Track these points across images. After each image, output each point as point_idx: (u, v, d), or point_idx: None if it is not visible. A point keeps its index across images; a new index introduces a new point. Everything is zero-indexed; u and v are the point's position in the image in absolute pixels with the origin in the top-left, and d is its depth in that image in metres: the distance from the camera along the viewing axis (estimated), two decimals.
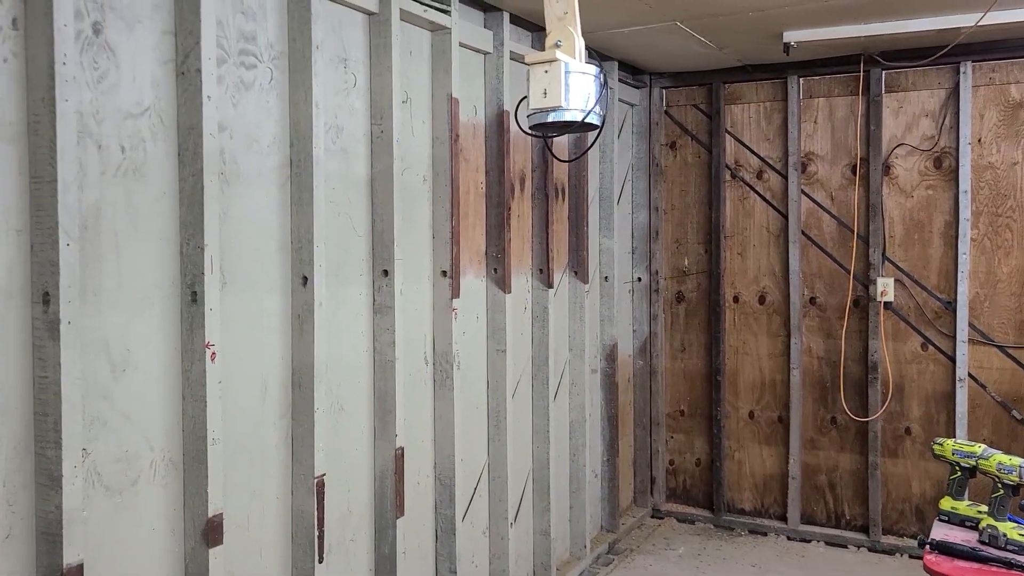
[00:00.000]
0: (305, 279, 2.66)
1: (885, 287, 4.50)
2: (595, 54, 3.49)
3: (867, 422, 4.58)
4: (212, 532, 2.27)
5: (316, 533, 2.63)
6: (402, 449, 3.04)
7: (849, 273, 4.64)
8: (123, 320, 2.13)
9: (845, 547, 4.59)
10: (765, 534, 4.81)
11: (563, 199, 4.34)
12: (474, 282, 3.64)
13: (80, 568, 1.92)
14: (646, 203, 5.17)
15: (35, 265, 1.92)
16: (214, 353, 2.29)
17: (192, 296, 2.29)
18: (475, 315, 3.65)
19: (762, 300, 4.91)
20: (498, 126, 3.64)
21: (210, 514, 2.27)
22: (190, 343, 2.28)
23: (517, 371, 3.93)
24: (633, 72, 4.96)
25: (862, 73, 4.52)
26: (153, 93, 2.22)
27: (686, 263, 5.16)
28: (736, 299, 4.98)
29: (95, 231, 2.06)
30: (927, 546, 2.21)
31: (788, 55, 4.26)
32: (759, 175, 4.89)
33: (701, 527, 4.95)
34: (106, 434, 2.09)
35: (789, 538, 4.74)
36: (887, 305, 4.53)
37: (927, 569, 2.03)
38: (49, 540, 1.90)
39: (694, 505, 5.11)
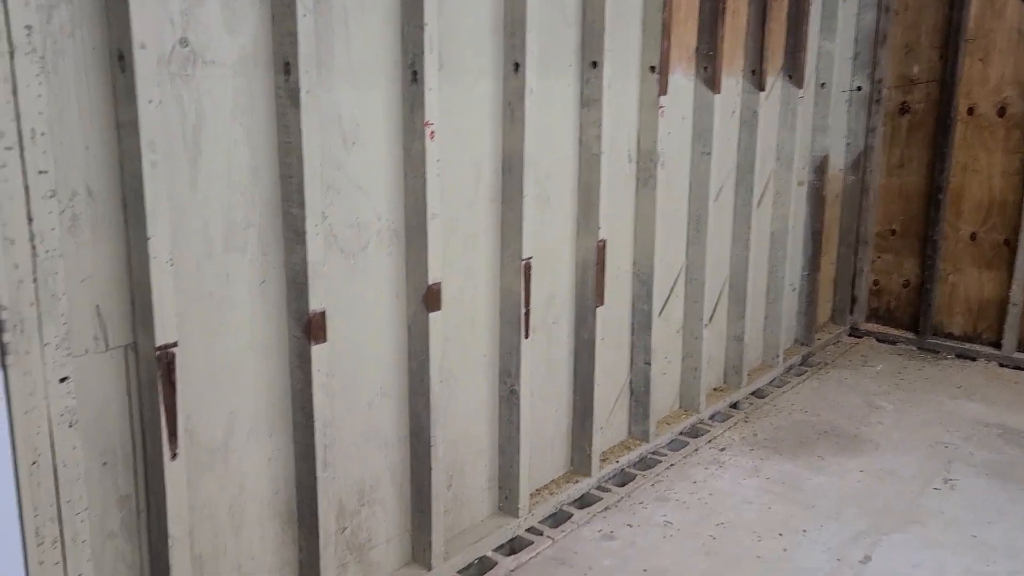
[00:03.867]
0: (517, 65, 2.68)
1: None
2: None
3: None
4: (431, 298, 2.47)
5: (522, 311, 2.79)
6: (604, 242, 3.11)
7: None
8: (352, 95, 2.25)
9: None
10: (974, 359, 4.59)
11: None
12: (682, 81, 3.52)
13: (323, 315, 2.16)
14: (875, 1, 4.70)
15: (276, 35, 2.05)
16: (433, 132, 2.39)
17: (412, 76, 2.37)
18: (681, 115, 3.56)
19: (1002, 112, 4.43)
20: None
21: (430, 282, 2.45)
22: (411, 121, 2.39)
23: (720, 176, 3.84)
24: None
25: None
26: None
27: (915, 70, 4.72)
28: (970, 111, 4.53)
29: (326, 4, 2.16)
30: None
31: None
32: None
33: (903, 348, 4.79)
34: (340, 201, 2.27)
35: (1001, 364, 4.50)
36: None
37: None
38: (297, 288, 2.14)
39: (897, 327, 4.94)
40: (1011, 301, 4.46)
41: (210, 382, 2.01)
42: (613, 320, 3.34)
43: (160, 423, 1.83)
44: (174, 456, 1.85)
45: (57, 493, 1.67)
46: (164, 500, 1.85)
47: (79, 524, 1.72)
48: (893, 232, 4.90)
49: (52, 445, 1.65)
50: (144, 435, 1.88)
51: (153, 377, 1.82)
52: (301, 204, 2.09)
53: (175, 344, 1.84)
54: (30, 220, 1.58)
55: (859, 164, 4.89)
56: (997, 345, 4.56)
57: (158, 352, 1.81)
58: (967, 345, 4.65)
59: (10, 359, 1.55)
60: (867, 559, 2.71)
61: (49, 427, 1.64)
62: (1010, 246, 4.47)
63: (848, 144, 4.88)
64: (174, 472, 1.86)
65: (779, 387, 4.24)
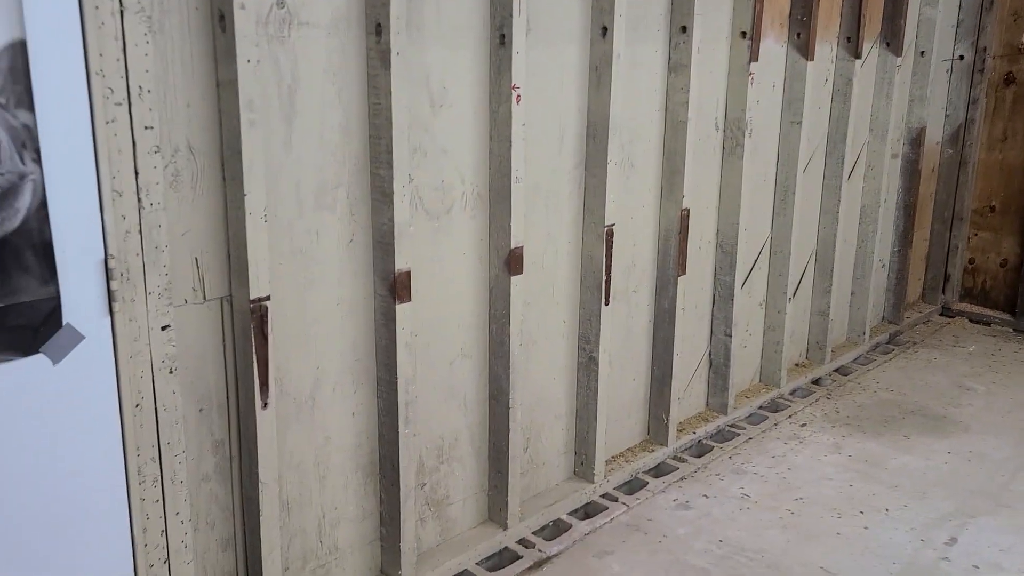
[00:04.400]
0: (604, 30, 2.65)
1: None
2: None
3: None
4: (513, 262, 2.48)
5: (603, 278, 2.79)
6: (687, 211, 3.07)
7: None
8: (441, 57, 2.27)
9: None
10: None
11: None
12: (773, 47, 3.43)
13: (408, 275, 2.20)
14: None
15: None
16: (519, 96, 2.39)
17: (500, 39, 2.37)
18: (771, 83, 3.48)
19: None
20: None
21: (512, 246, 2.47)
22: (498, 85, 2.40)
23: (810, 147, 3.74)
24: None
25: None
26: None
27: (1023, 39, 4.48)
28: None
29: None
30: None
31: None
32: None
33: (998, 329, 4.61)
34: (426, 163, 2.30)
35: None
36: None
37: None
38: (383, 247, 2.18)
39: (992, 307, 4.75)
40: None
41: (299, 336, 2.08)
42: (694, 290, 3.31)
43: (252, 373, 1.90)
44: (265, 405, 1.93)
45: (158, 435, 1.76)
46: (255, 447, 1.93)
47: (177, 465, 1.80)
48: (992, 209, 4.69)
49: (154, 389, 1.73)
50: (237, 384, 1.96)
51: (247, 329, 1.89)
52: (389, 165, 2.12)
53: (268, 298, 1.90)
54: (136, 174, 1.65)
55: (958, 137, 4.69)
56: None
57: (252, 305, 1.87)
58: None
59: (117, 306, 1.63)
60: (953, 541, 2.64)
61: (151, 372, 1.73)
62: None
63: (947, 116, 4.69)
64: (265, 421, 1.93)
65: (864, 365, 4.13)
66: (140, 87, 1.64)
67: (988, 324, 4.67)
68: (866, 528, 2.71)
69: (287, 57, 1.94)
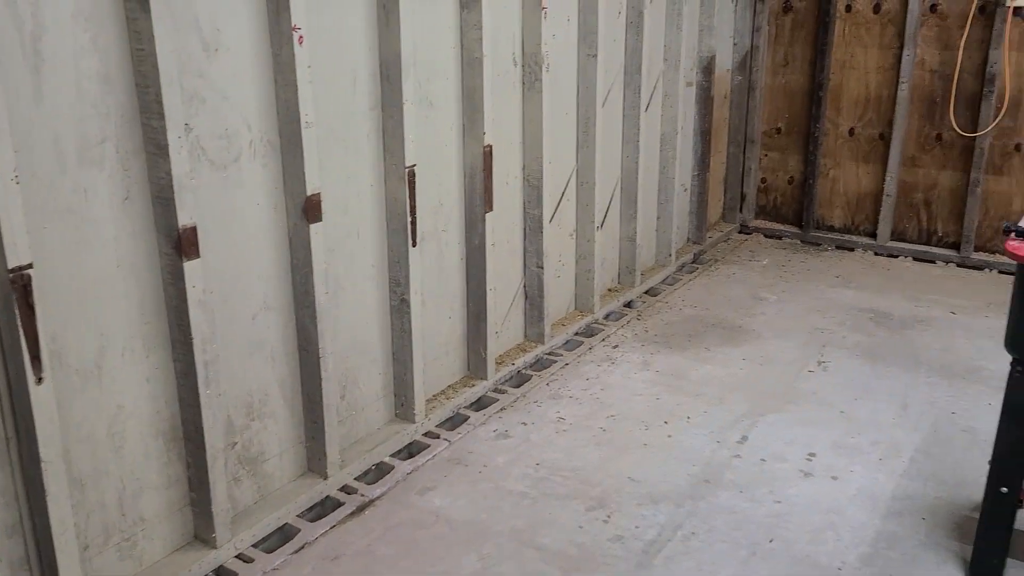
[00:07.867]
0: None
1: None
2: None
3: (975, 138, 4.37)
4: (311, 210, 2.42)
5: (409, 220, 2.77)
6: (490, 147, 3.09)
7: None
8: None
9: (933, 262, 4.59)
10: (852, 249, 4.82)
11: None
12: None
13: (194, 230, 2.10)
14: None
15: None
16: (301, 37, 2.30)
17: None
18: (566, 17, 3.53)
19: (877, 8, 4.54)
20: None
21: (308, 193, 2.40)
22: (277, 26, 2.30)
23: (608, 79, 3.84)
24: None
25: None
26: None
27: None
28: (848, 8, 4.63)
29: None
30: (1012, 232, 2.17)
31: None
32: None
33: (788, 242, 4.99)
34: (205, 111, 2.18)
35: (876, 253, 4.75)
36: (1017, 11, 4.13)
37: (1009, 252, 2.03)
38: (163, 203, 2.06)
39: (783, 222, 5.12)
40: (885, 192, 4.67)
41: (76, 303, 1.95)
42: (504, 226, 3.36)
43: (20, 348, 1.77)
44: (39, 380, 1.80)
45: None
46: (33, 425, 1.80)
47: None
48: (779, 130, 5.02)
49: None
50: (6, 361, 1.82)
51: (9, 301, 1.75)
52: (161, 115, 2.00)
53: (30, 265, 1.76)
54: None
55: (746, 64, 4.96)
56: (873, 235, 4.79)
57: (12, 275, 1.73)
58: (846, 236, 4.87)
59: None
60: (744, 439, 2.88)
61: None
62: (884, 140, 4.65)
63: (735, 44, 4.93)
64: (41, 396, 1.81)
65: (671, 285, 4.37)
66: None
67: (780, 238, 5.04)
68: (670, 436, 2.91)
69: (26, 1, 1.77)
